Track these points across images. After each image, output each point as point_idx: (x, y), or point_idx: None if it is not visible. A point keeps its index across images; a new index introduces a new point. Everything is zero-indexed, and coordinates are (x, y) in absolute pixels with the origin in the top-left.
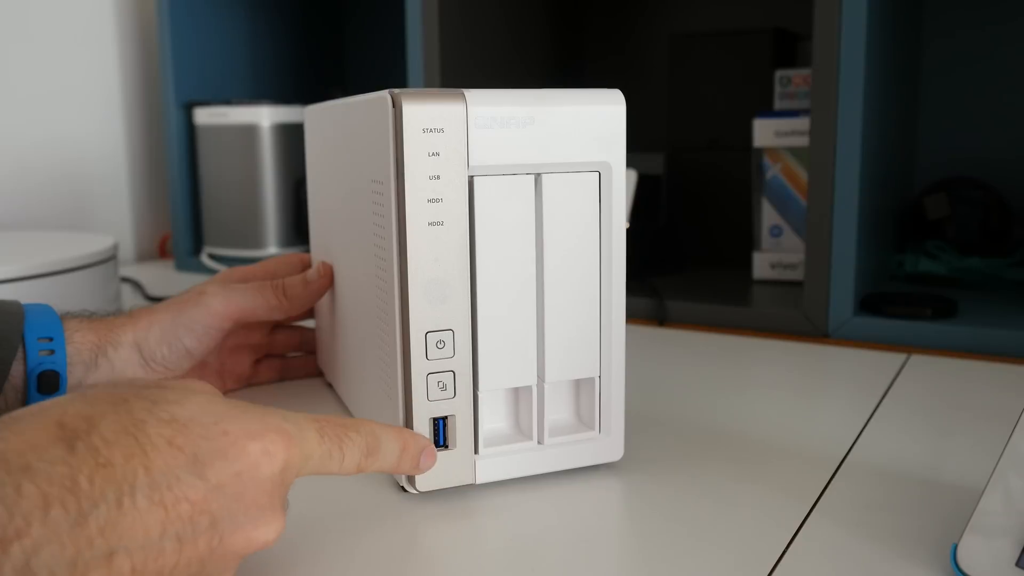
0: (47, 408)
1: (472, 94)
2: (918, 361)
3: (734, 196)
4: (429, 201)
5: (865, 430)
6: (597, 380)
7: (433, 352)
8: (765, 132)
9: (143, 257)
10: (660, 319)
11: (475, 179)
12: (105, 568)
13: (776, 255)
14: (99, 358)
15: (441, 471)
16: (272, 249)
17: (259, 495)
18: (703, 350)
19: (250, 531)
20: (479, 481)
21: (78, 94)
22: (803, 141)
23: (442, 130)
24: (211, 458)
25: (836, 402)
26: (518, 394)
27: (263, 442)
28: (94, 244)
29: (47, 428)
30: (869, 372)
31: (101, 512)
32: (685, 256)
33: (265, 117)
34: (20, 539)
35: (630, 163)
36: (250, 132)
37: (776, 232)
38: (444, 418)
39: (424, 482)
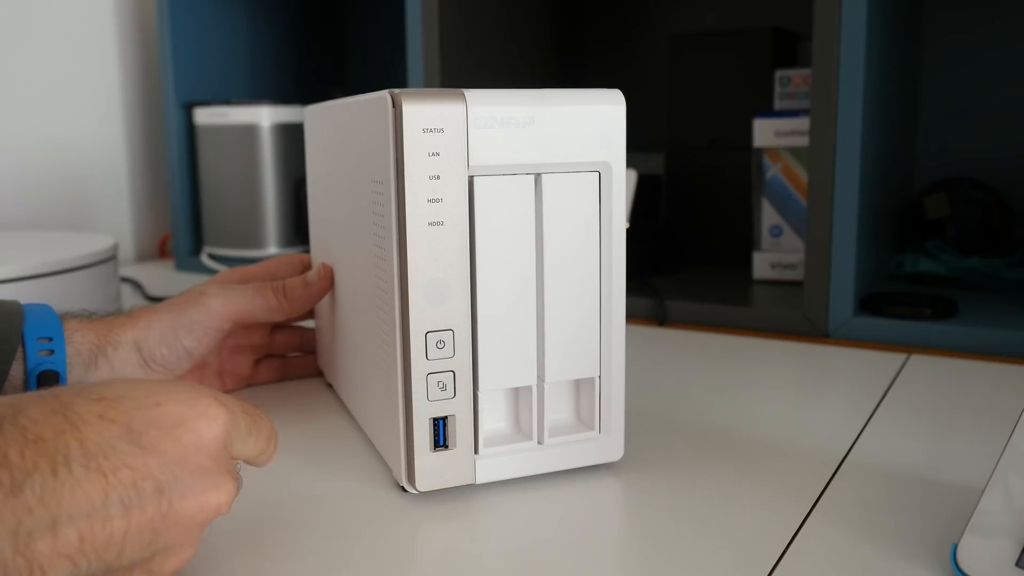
0: None
1: (472, 94)
2: (918, 361)
3: (734, 196)
4: (429, 201)
5: (865, 430)
6: (597, 380)
7: (433, 352)
8: (765, 132)
9: (143, 257)
10: (660, 319)
11: (475, 179)
12: (51, 537)
13: (776, 255)
14: (99, 358)
15: (441, 471)
16: (272, 249)
17: (203, 459)
18: (703, 350)
19: (200, 496)
20: (479, 481)
21: (78, 94)
22: (803, 141)
23: (442, 130)
24: (146, 427)
25: (836, 402)
26: (518, 394)
27: (197, 407)
28: (94, 244)
29: None
30: (869, 372)
31: (36, 482)
32: (685, 256)
33: (265, 117)
34: None
35: (630, 163)
36: (250, 132)
37: (776, 232)
38: (444, 418)
39: (424, 482)
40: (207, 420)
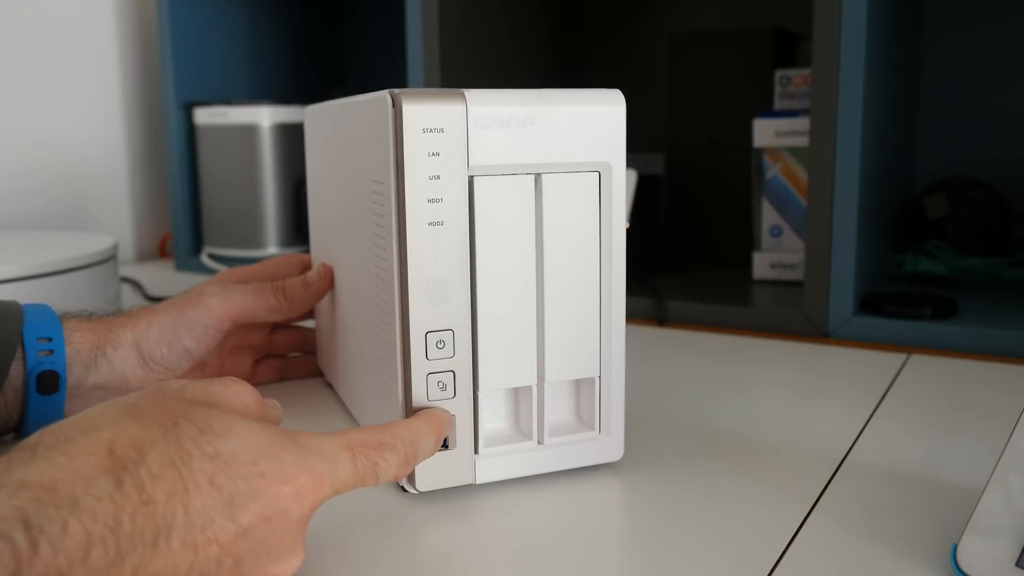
0: (99, 427)
1: (472, 94)
2: (918, 361)
3: (734, 196)
4: (429, 201)
5: (865, 430)
6: (597, 380)
7: (433, 352)
8: (765, 132)
9: (143, 257)
10: (660, 319)
11: (475, 179)
12: None
13: (776, 255)
14: (98, 358)
15: (441, 471)
16: (272, 249)
17: (284, 536)
18: (703, 350)
19: (269, 568)
20: (479, 481)
21: (78, 94)
22: (803, 141)
23: (442, 130)
24: (245, 500)
25: (836, 402)
26: (518, 394)
27: (295, 485)
28: (94, 244)
29: (97, 455)
30: (869, 372)
31: (137, 553)
32: (685, 256)
33: (265, 117)
34: None
35: (630, 163)
36: (250, 132)
37: (776, 232)
38: None
39: (424, 482)
40: (298, 499)
